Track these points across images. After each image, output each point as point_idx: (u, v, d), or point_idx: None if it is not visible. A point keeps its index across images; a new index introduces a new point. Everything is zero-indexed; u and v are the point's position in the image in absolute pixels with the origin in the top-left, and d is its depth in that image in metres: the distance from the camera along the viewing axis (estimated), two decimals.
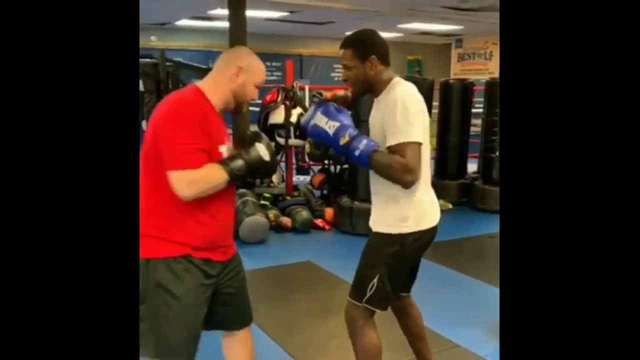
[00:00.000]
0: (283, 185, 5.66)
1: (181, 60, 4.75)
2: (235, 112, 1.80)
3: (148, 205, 1.62)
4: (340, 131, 1.79)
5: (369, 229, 2.06)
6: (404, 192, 1.85)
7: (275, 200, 5.36)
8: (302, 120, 1.94)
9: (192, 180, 1.57)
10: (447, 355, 2.53)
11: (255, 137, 1.74)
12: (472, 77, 7.83)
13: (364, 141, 1.77)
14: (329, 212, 5.19)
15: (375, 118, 1.94)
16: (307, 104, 5.55)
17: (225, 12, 5.77)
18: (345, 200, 5.01)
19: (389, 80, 1.89)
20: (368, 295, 1.90)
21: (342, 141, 1.78)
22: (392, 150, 1.77)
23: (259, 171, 1.75)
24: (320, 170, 5.87)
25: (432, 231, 1.95)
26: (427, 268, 4.11)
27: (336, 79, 11.61)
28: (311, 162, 5.97)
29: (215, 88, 1.69)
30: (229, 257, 1.80)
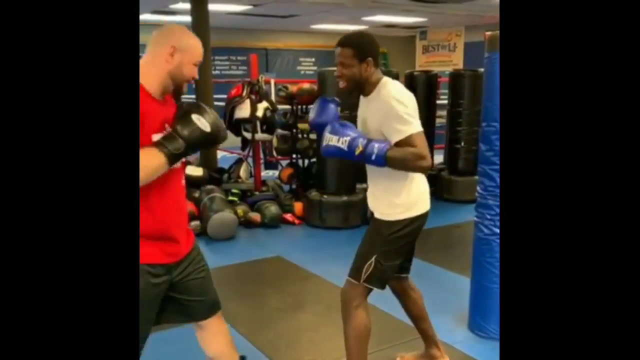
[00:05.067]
0: (251, 180, 5.62)
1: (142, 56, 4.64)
2: (175, 95, 1.69)
3: None
4: (353, 143, 1.93)
5: (370, 214, 2.20)
6: (401, 183, 2.03)
7: (244, 195, 5.32)
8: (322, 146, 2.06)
9: None
10: (416, 344, 2.56)
11: (190, 109, 1.58)
12: (436, 69, 7.91)
13: (376, 145, 1.90)
14: (298, 206, 5.18)
15: (365, 115, 2.07)
16: (273, 97, 5.52)
17: (187, 6, 5.68)
18: (314, 194, 5.01)
19: (378, 81, 2.02)
20: (366, 273, 2.04)
21: (357, 152, 1.92)
22: (401, 144, 1.90)
23: (201, 144, 1.58)
24: (288, 165, 5.85)
25: (425, 215, 2.13)
26: None
27: (302, 72, 11.58)
28: (279, 157, 5.94)
29: (149, 71, 1.56)
30: (178, 258, 1.69)
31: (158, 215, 1.59)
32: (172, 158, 1.51)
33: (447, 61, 11.22)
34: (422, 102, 5.97)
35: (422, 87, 6.06)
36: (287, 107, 5.74)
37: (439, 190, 6.04)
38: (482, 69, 2.88)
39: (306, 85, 5.50)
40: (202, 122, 1.55)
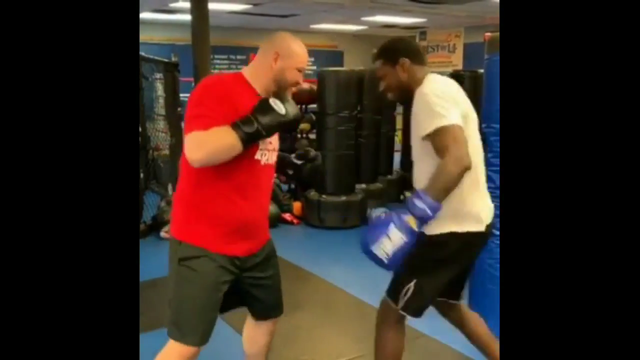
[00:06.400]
0: None
1: (143, 54, 4.63)
2: (276, 97, 1.69)
3: (182, 188, 1.70)
4: (404, 226, 1.62)
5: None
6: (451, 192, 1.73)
7: None
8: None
9: (200, 141, 1.49)
10: (412, 345, 2.55)
11: (269, 97, 1.64)
12: (436, 70, 7.88)
13: (415, 201, 1.62)
14: (296, 206, 5.18)
15: (412, 118, 1.84)
16: None
17: (187, 4, 5.67)
18: (313, 194, 5.00)
19: (422, 79, 1.82)
20: (404, 300, 1.82)
21: (414, 224, 1.62)
22: (428, 138, 1.68)
23: (275, 126, 1.59)
24: None
25: (482, 236, 1.85)
26: None
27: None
28: None
29: (257, 73, 1.68)
30: (253, 252, 1.83)
31: (245, 208, 1.73)
32: (246, 138, 1.53)
33: (447, 62, 11.21)
34: None
35: None
36: None
37: None
38: (481, 70, 2.88)
39: (305, 85, 5.50)
40: (278, 106, 1.58)
